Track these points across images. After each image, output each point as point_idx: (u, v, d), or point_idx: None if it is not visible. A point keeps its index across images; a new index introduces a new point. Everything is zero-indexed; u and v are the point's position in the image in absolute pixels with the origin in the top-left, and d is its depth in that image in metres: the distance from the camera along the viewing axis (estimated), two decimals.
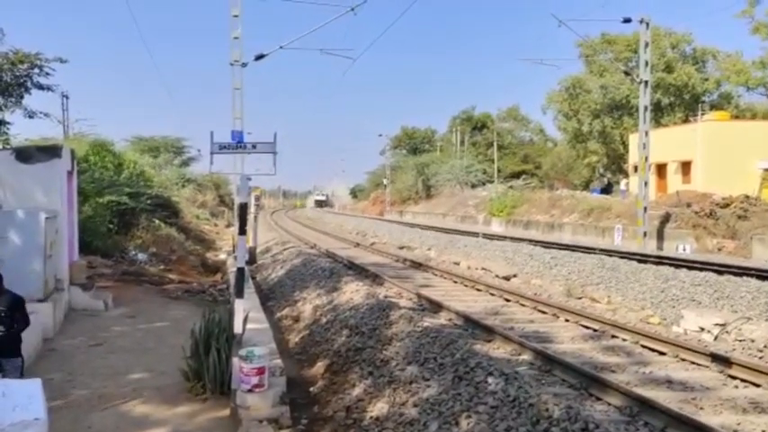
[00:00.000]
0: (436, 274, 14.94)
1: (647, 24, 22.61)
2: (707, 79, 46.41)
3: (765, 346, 7.90)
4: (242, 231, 6.60)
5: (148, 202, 20.39)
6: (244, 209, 6.60)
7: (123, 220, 18.30)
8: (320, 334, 9.05)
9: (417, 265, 16.55)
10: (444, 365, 6.23)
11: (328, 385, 7.15)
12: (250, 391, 5.84)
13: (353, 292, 10.47)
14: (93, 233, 15.30)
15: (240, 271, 6.58)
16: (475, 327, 8.61)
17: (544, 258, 16.58)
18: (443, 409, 5.27)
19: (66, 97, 39.01)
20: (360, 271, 14.68)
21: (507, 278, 14.60)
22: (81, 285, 10.96)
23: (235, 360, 6.13)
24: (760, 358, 7.50)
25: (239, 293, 6.48)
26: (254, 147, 7.02)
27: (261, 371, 5.92)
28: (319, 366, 7.88)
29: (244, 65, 17.49)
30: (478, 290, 12.54)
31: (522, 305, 10.83)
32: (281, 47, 18.33)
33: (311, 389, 7.24)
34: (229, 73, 17.55)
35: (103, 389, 6.54)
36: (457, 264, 17.26)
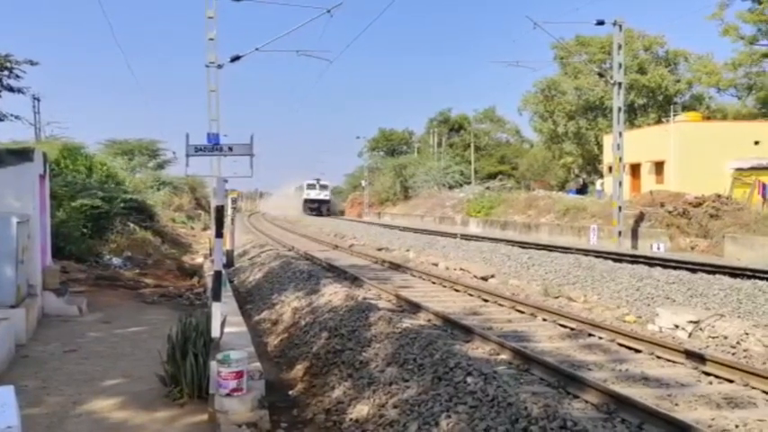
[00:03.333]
0: (415, 276, 14.98)
1: (621, 27, 22.94)
2: (679, 81, 47.24)
3: (738, 343, 8.05)
4: (219, 234, 6.54)
5: (123, 205, 20.11)
6: (220, 211, 6.54)
7: (97, 225, 18.02)
8: (299, 337, 9.01)
9: (396, 267, 16.57)
10: (424, 366, 6.25)
11: (308, 388, 7.12)
12: (228, 395, 5.79)
13: (332, 295, 10.45)
14: (67, 238, 15.05)
15: (217, 274, 6.52)
16: (454, 327, 8.65)
17: (521, 258, 16.73)
18: (423, 410, 5.29)
19: (38, 100, 38.32)
20: (338, 273, 14.66)
21: (485, 278, 14.69)
22: (54, 291, 10.77)
23: (212, 364, 6.07)
24: (733, 354, 7.64)
25: (216, 297, 6.41)
26: (230, 149, 6.96)
27: (239, 375, 5.88)
28: (299, 369, 7.84)
29: (219, 66, 17.36)
30: (457, 290, 12.59)
31: (501, 305, 10.90)
32: (257, 48, 18.23)
33: (290, 392, 7.20)
34: (205, 75, 17.43)
35: (78, 395, 6.43)
36: (435, 265, 17.32)
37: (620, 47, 23.15)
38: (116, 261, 16.54)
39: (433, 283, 13.79)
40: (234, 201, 19.39)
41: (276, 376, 7.84)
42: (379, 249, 22.21)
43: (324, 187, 67.76)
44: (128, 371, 7.37)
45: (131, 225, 20.94)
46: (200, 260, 20.97)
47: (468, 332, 8.22)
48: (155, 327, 9.60)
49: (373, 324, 8.13)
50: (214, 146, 7.03)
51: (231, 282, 15.30)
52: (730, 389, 6.09)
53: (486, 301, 11.37)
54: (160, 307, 11.98)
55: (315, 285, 11.76)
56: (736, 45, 41.18)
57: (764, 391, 5.93)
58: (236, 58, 17.95)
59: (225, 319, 6.84)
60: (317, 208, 64.75)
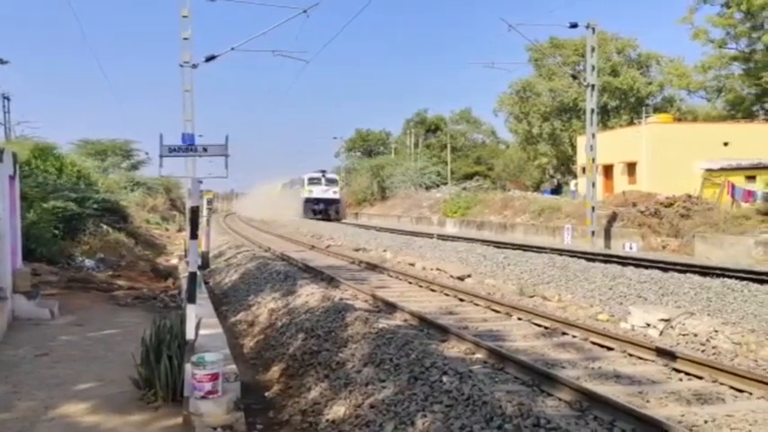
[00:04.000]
0: (392, 276, 15.01)
1: (593, 30, 23.26)
2: (651, 83, 48.06)
3: (707, 340, 8.22)
4: (193, 235, 6.49)
5: (95, 206, 19.82)
6: (195, 212, 6.50)
7: (69, 226, 17.74)
8: (275, 338, 8.98)
9: (373, 267, 16.58)
10: (400, 366, 6.27)
11: (284, 389, 7.10)
12: (203, 397, 5.76)
13: (309, 295, 10.43)
14: (38, 239, 14.79)
15: (192, 276, 6.47)
16: (430, 327, 8.69)
17: (497, 258, 16.86)
18: (399, 410, 5.31)
19: (8, 99, 37.56)
20: (315, 274, 14.63)
21: (461, 278, 14.77)
22: (25, 293, 10.58)
23: (187, 367, 6.02)
24: (702, 351, 7.80)
25: (191, 299, 6.37)
26: (205, 150, 6.91)
27: (214, 377, 5.85)
28: (275, 371, 7.81)
29: (194, 66, 17.23)
30: (433, 290, 12.65)
31: (476, 305, 10.98)
32: (232, 48, 18.15)
33: (267, 393, 7.18)
34: (179, 75, 17.28)
35: (50, 400, 6.34)
36: (412, 265, 17.37)
37: (593, 49, 23.48)
38: (89, 263, 16.30)
39: (410, 283, 13.84)
40: (209, 202, 19.21)
41: (252, 378, 7.80)
42: (356, 250, 22.21)
43: (331, 182, 51.14)
44: (101, 374, 7.28)
45: (104, 226, 20.64)
46: (174, 261, 20.76)
47: (444, 332, 8.27)
48: (128, 329, 9.50)
49: (350, 324, 8.13)
50: (188, 146, 6.99)
51: (207, 283, 15.18)
52: (700, 385, 6.22)
53: (462, 300, 11.44)
54: (134, 309, 11.84)
55: (291, 286, 11.73)
56: (705, 48, 42.07)
57: (732, 388, 6.06)
58: (211, 58, 17.84)
59: (200, 321, 6.80)
60: (323, 210, 49.07)
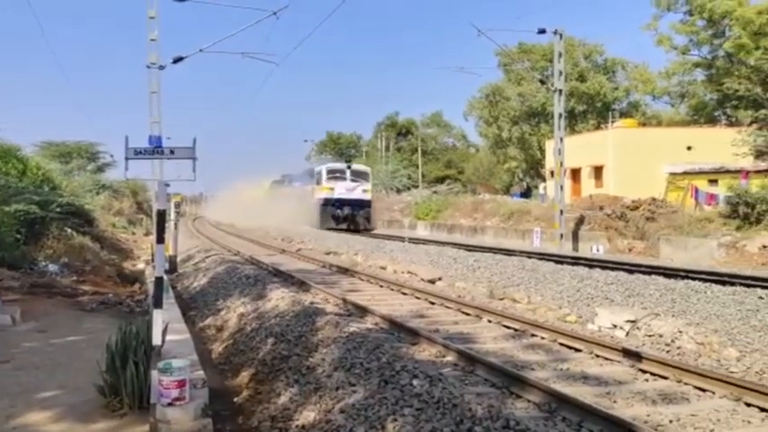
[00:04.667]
0: (363, 279, 14.98)
1: (561, 36, 23.61)
2: (617, 88, 48.97)
3: (672, 341, 8.38)
4: (160, 239, 6.39)
5: (59, 210, 19.37)
6: (162, 216, 6.40)
7: (32, 230, 17.32)
8: (245, 343, 8.88)
9: (344, 271, 16.53)
10: (370, 370, 6.26)
11: (253, 395, 7.03)
12: (170, 404, 5.66)
13: (279, 300, 10.35)
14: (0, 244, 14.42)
15: (158, 280, 6.37)
16: (400, 330, 8.69)
17: (468, 261, 16.96)
18: (369, 414, 5.29)
19: None
20: (285, 278, 14.52)
21: (432, 281, 14.82)
22: None
23: (153, 373, 5.93)
24: (667, 352, 7.95)
25: (158, 304, 6.26)
26: (172, 152, 6.80)
27: (181, 383, 5.76)
28: (244, 376, 7.73)
29: (161, 68, 16.99)
30: (404, 293, 12.66)
31: (447, 307, 11.02)
32: (200, 50, 17.94)
33: (235, 399, 7.09)
34: (147, 76, 17.03)
35: (12, 408, 6.16)
36: (383, 268, 17.37)
37: (560, 55, 23.83)
38: (52, 268, 15.92)
39: (381, 286, 13.83)
40: (177, 205, 18.95)
41: (221, 384, 7.70)
42: (327, 253, 22.11)
43: (360, 176, 37.33)
44: (65, 382, 7.10)
45: (69, 230, 20.17)
46: (141, 266, 20.44)
47: (414, 335, 8.27)
48: (93, 335, 9.29)
49: (320, 329, 8.09)
50: (154, 149, 6.87)
51: (174, 288, 14.96)
52: (665, 385, 6.33)
53: (432, 303, 11.47)
54: (99, 315, 11.60)
55: (261, 290, 11.62)
56: (669, 55, 42.99)
57: (696, 387, 6.19)
58: (178, 60, 17.62)
59: (167, 326, 6.69)
60: (348, 217, 36.08)
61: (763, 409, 5.53)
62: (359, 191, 35.98)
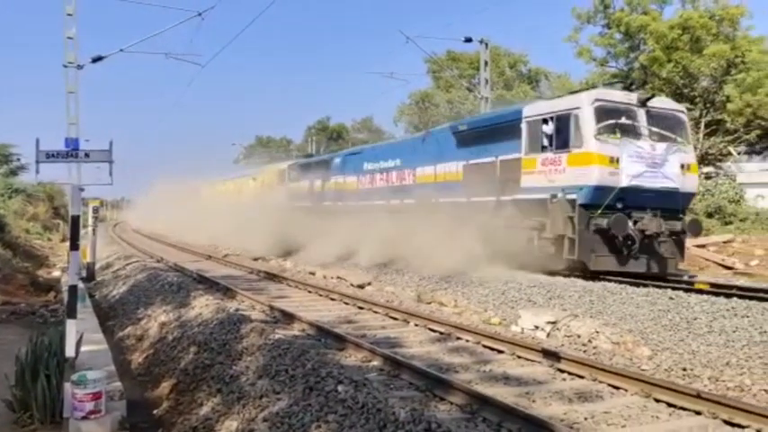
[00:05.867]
0: (291, 285, 14.83)
1: (486, 45, 24.25)
2: (540, 97, 50.59)
3: (589, 341, 8.73)
4: (74, 246, 6.11)
5: None
6: (76, 222, 6.12)
7: None
8: (166, 352, 8.62)
9: (272, 277, 16.32)
10: (295, 377, 6.20)
11: (174, 406, 6.83)
12: (85, 418, 5.46)
13: (203, 307, 10.10)
14: None
15: (72, 289, 6.09)
16: (327, 336, 8.64)
17: (397, 265, 17.06)
18: (294, 422, 5.24)
19: None
20: (210, 284, 14.18)
21: (362, 286, 14.85)
22: None
23: (67, 386, 5.69)
24: (584, 352, 8.27)
25: (71, 313, 5.99)
26: (87, 155, 6.53)
27: (97, 396, 5.55)
28: (164, 387, 7.50)
29: (79, 67, 16.30)
30: (333, 299, 12.62)
31: (375, 312, 11.06)
32: (121, 50, 17.34)
33: (155, 411, 6.88)
34: (63, 76, 16.29)
35: None
36: (312, 274, 17.26)
37: (486, 63, 24.45)
38: None
39: (309, 292, 13.73)
40: (95, 210, 18.17)
41: (140, 395, 7.46)
42: (255, 259, 21.75)
43: (669, 128, 13.32)
44: None
45: None
46: (57, 274, 19.50)
47: (341, 340, 8.25)
48: (3, 348, 8.77)
49: (245, 336, 7.95)
50: (68, 152, 6.58)
51: (92, 297, 14.34)
52: (581, 384, 6.58)
53: (361, 308, 11.48)
54: (10, 326, 10.98)
55: (184, 298, 11.31)
56: (589, 66, 44.77)
57: (610, 385, 6.45)
58: (98, 59, 16.95)
59: (81, 336, 6.41)
60: (653, 243, 13.11)
61: (670, 405, 5.83)
62: (673, 166, 13.47)
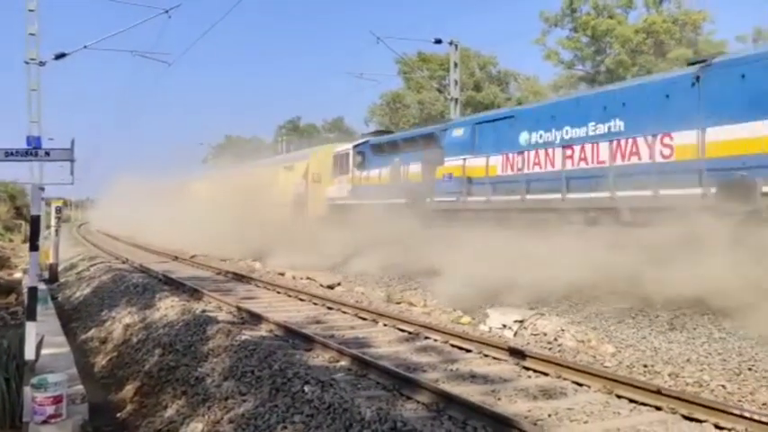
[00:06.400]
0: (260, 286, 14.71)
1: (456, 46, 24.39)
2: (510, 99, 51.08)
3: (555, 339, 8.85)
4: (34, 247, 5.98)
5: None
6: (36, 222, 5.99)
7: None
8: (130, 355, 8.49)
9: (240, 278, 16.17)
10: (262, 378, 6.16)
11: (138, 409, 6.74)
12: (45, 422, 5.36)
13: (168, 309, 9.97)
14: None
15: (32, 291, 5.97)
16: (295, 337, 8.61)
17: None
18: (259, 423, 5.22)
19: None
20: (177, 286, 13.99)
21: (332, 286, 14.81)
22: None
23: (27, 389, 5.57)
24: (549, 349, 8.38)
25: (31, 315, 5.87)
26: (47, 154, 6.39)
27: (58, 399, 5.45)
28: (128, 389, 7.39)
29: (41, 64, 15.95)
30: (302, 300, 12.56)
31: (344, 312, 11.04)
32: (85, 46, 17.01)
33: (119, 414, 6.77)
34: (25, 72, 15.93)
35: None
36: (282, 274, 17.15)
37: (455, 65, 24.60)
38: None
39: (278, 293, 13.64)
40: (59, 210, 17.79)
41: (103, 399, 7.34)
42: (224, 260, 21.52)
43: None
44: None
45: None
46: (18, 275, 19.00)
47: (309, 341, 8.22)
48: None
49: (211, 338, 7.87)
50: (28, 150, 6.44)
51: (55, 299, 14.04)
52: (546, 381, 6.66)
53: (330, 309, 11.45)
54: None
55: (150, 300, 11.14)
56: (557, 69, 45.43)
57: (574, 382, 6.55)
58: (61, 56, 16.60)
59: (42, 339, 6.30)
60: None
61: (632, 401, 5.95)
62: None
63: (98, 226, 53.34)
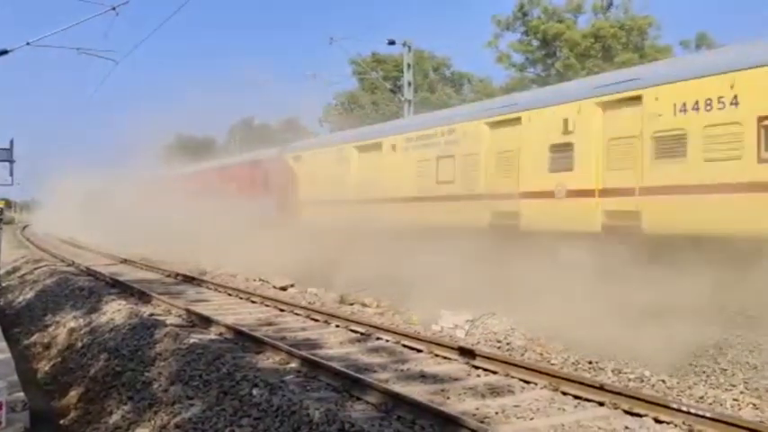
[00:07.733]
0: (210, 288, 14.51)
1: (410, 47, 24.57)
2: (464, 101, 51.65)
3: (504, 338, 9.00)
4: None
5: None
6: None
7: None
8: (75, 360, 8.28)
9: (191, 280, 15.91)
10: (210, 381, 6.09)
11: (82, 416, 6.57)
12: None
13: (115, 312, 9.74)
14: None
15: None
16: (245, 339, 8.53)
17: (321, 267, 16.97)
18: (207, 427, 5.16)
19: None
20: (124, 289, 13.67)
21: (284, 288, 14.70)
22: None
23: None
24: (498, 348, 8.52)
25: None
26: None
27: None
28: (72, 396, 7.20)
29: None
30: (254, 302, 12.45)
31: (297, 314, 10.99)
32: (28, 43, 16.42)
33: (62, 421, 6.59)
34: None
35: None
36: (234, 276, 16.94)
37: (409, 66, 24.75)
38: None
39: (230, 295, 13.49)
40: (0, 211, 17.13)
41: (46, 405, 7.13)
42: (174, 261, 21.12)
43: None
44: None
45: None
46: None
47: (259, 343, 8.16)
48: None
49: (158, 342, 7.73)
50: None
51: None
52: (494, 379, 6.79)
53: (282, 311, 11.39)
54: None
55: (96, 303, 10.86)
56: (509, 71, 46.16)
57: (522, 380, 6.69)
58: (2, 53, 16.00)
59: None
60: None
61: (576, 397, 6.11)
62: None
63: (44, 228, 51.53)
